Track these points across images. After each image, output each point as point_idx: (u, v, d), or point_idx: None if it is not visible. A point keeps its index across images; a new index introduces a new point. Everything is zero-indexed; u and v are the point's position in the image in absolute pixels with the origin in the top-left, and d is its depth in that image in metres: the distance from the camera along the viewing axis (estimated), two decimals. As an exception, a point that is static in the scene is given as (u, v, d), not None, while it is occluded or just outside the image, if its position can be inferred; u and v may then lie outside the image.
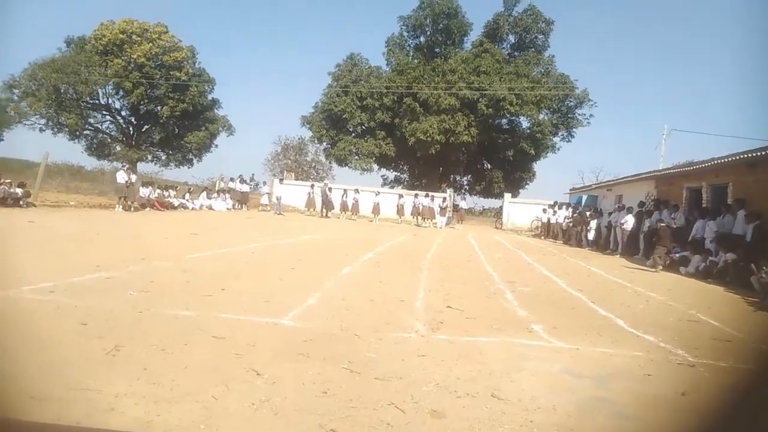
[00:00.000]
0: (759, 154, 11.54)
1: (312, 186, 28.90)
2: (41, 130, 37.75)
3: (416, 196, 27.31)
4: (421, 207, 26.25)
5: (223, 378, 3.10)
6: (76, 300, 4.65)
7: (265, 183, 27.65)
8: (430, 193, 28.08)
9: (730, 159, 12.76)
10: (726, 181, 13.27)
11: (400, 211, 26.85)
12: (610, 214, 18.42)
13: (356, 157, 38.17)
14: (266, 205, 27.25)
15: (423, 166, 40.00)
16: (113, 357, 3.31)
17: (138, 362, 3.25)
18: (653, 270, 11.71)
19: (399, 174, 43.89)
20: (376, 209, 26.21)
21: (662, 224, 13.13)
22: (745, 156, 12.04)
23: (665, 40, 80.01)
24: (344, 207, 26.53)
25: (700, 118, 76.44)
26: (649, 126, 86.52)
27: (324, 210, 26.09)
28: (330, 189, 27.07)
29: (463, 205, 28.56)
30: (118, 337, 3.69)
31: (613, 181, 23.60)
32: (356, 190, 27.26)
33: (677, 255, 12.30)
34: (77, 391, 2.75)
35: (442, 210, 26.33)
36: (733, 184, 12.90)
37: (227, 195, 26.20)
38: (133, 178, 18.24)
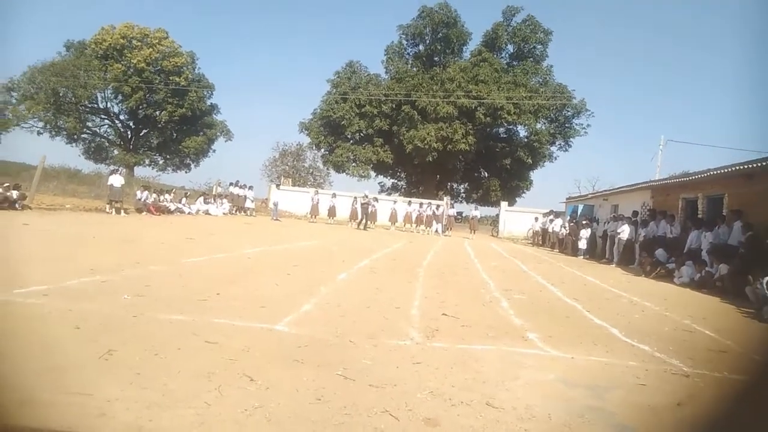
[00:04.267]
0: (755, 165, 11.59)
1: (316, 192, 28.88)
2: (39, 133, 37.93)
3: (423, 204, 27.95)
4: (425, 215, 26.72)
5: (216, 383, 3.08)
6: (69, 303, 4.63)
7: (251, 187, 27.61)
8: (433, 202, 28.77)
9: (726, 170, 12.82)
10: (722, 192, 13.32)
11: (407, 218, 27.07)
12: (606, 223, 18.46)
13: (354, 163, 38.26)
14: (251, 209, 27.18)
15: (420, 173, 40.10)
16: (106, 361, 3.29)
17: (131, 367, 3.23)
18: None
19: (396, 181, 44.04)
20: (373, 216, 26.25)
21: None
22: (742, 167, 12.09)
23: (662, 52, 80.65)
24: (354, 215, 26.18)
25: (697, 130, 76.93)
26: (646, 136, 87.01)
27: (365, 221, 24.88)
28: (376, 199, 26.46)
29: (476, 214, 28.25)
30: (111, 341, 3.66)
31: (610, 190, 23.65)
32: (375, 198, 27.03)
33: (672, 265, 12.31)
34: (69, 395, 2.73)
35: (437, 216, 26.60)
36: (728, 196, 12.94)
37: (224, 200, 26.19)
38: (116, 181, 18.14)
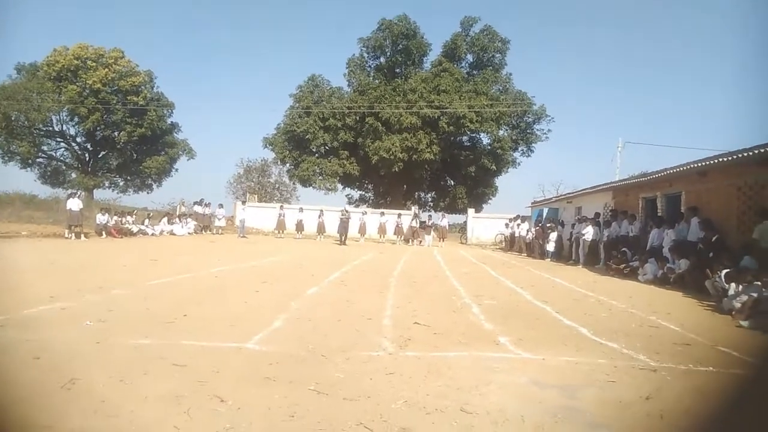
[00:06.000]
0: (708, 162, 12.03)
1: (281, 207, 28.66)
2: (-10, 159, 36.47)
3: (402, 215, 28.84)
4: (405, 226, 27.62)
5: (185, 407, 2.99)
6: (29, 333, 4.45)
7: (221, 206, 27.57)
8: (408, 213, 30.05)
9: (681, 169, 13.25)
10: (679, 190, 13.77)
11: (381, 230, 27.44)
12: (572, 226, 18.85)
13: (320, 177, 38.10)
14: (220, 228, 27.02)
15: (387, 184, 40.21)
16: (68, 391, 3.16)
17: (95, 395, 3.11)
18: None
19: (364, 193, 44.06)
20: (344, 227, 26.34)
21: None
22: (696, 165, 12.53)
23: (617, 55, 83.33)
24: (320, 228, 26.52)
25: (653, 131, 79.60)
26: (605, 139, 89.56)
27: (345, 237, 24.31)
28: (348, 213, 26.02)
29: (443, 223, 28.98)
30: (74, 369, 3.53)
31: (573, 193, 24.17)
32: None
33: (635, 263, 12.63)
34: (29, 429, 2.61)
35: (427, 228, 27.00)
36: (685, 193, 13.38)
37: (189, 219, 25.75)
38: (74, 204, 17.66)
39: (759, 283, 7.31)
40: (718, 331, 6.25)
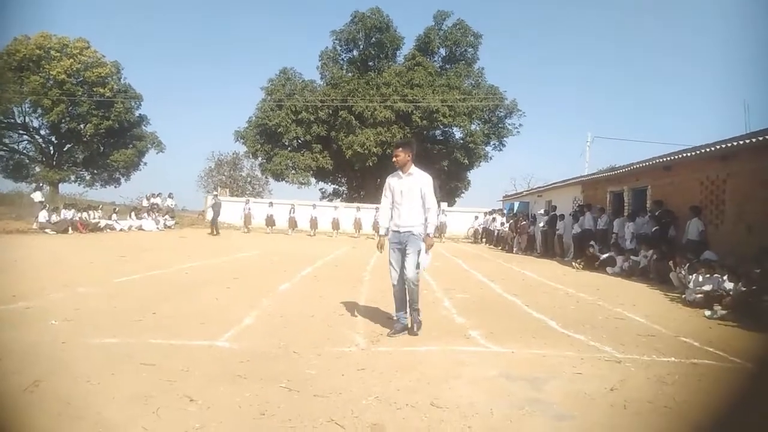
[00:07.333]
0: (673, 158, 12.37)
1: (247, 202, 28.22)
2: (-53, 153, 35.15)
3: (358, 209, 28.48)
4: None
5: (153, 407, 2.96)
6: (-11, 334, 4.33)
7: (171, 195, 28.11)
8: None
9: (647, 163, 13.59)
10: (645, 184, 14.12)
11: (357, 224, 27.31)
12: (543, 219, 19.19)
13: (293, 171, 37.76)
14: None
15: (360, 178, 40.14)
16: (32, 393, 3.09)
17: (60, 397, 3.05)
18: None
19: (337, 187, 43.87)
20: (313, 223, 26.35)
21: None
22: (661, 160, 12.87)
23: (588, 52, 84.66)
24: (292, 223, 26.50)
25: (622, 126, 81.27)
26: (575, 133, 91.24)
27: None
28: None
29: None
30: (37, 371, 3.45)
31: (543, 187, 24.56)
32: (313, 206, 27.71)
33: (603, 256, 12.92)
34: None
35: None
36: (651, 187, 13.73)
37: (158, 214, 25.27)
38: (38, 197, 17.33)
39: (717, 275, 7.59)
40: (682, 322, 6.46)
